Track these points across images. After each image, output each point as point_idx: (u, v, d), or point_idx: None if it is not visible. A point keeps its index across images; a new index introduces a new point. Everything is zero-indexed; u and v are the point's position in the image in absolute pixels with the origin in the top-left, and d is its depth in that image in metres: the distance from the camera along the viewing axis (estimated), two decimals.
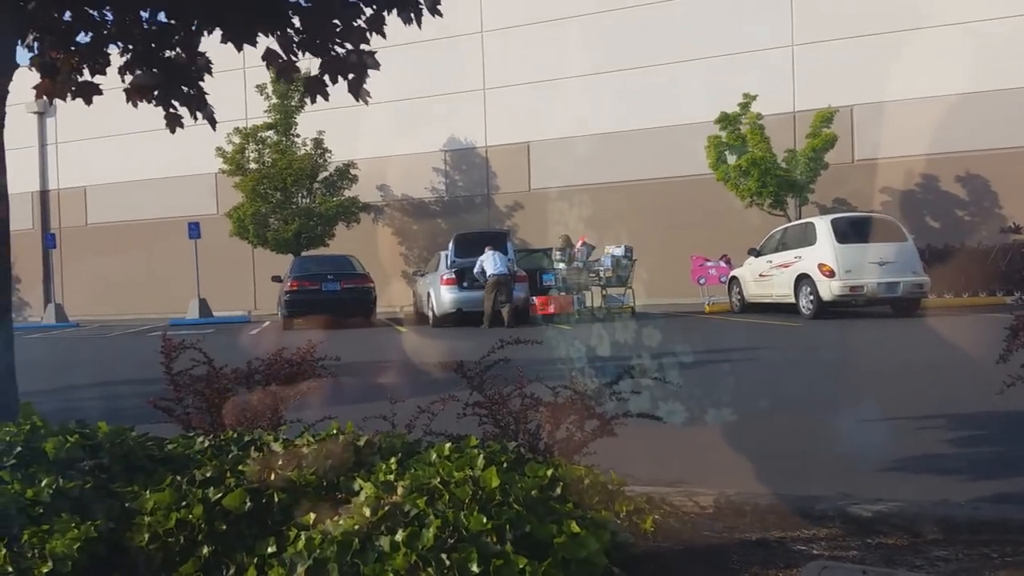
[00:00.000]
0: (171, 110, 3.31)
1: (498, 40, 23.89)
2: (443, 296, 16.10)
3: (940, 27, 19.39)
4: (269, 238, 22.79)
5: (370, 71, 2.98)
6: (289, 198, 22.94)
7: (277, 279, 19.00)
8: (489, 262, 15.62)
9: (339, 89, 3.13)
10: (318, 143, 23.16)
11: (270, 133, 23.14)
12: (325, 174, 23.50)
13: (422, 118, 23.91)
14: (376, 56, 2.95)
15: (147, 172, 26.64)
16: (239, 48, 2.93)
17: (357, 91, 3.07)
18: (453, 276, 16.11)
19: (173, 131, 3.40)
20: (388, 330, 16.47)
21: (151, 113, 3.38)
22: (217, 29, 2.92)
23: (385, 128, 22.74)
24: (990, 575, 2.46)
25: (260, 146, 23.13)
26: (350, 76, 2.99)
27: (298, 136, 23.27)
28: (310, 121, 22.07)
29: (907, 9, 19.61)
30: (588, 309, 16.98)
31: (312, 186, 23.33)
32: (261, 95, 22.69)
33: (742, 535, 2.89)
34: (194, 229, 22.70)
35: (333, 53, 2.95)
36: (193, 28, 2.91)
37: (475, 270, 15.84)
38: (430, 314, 16.82)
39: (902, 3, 19.78)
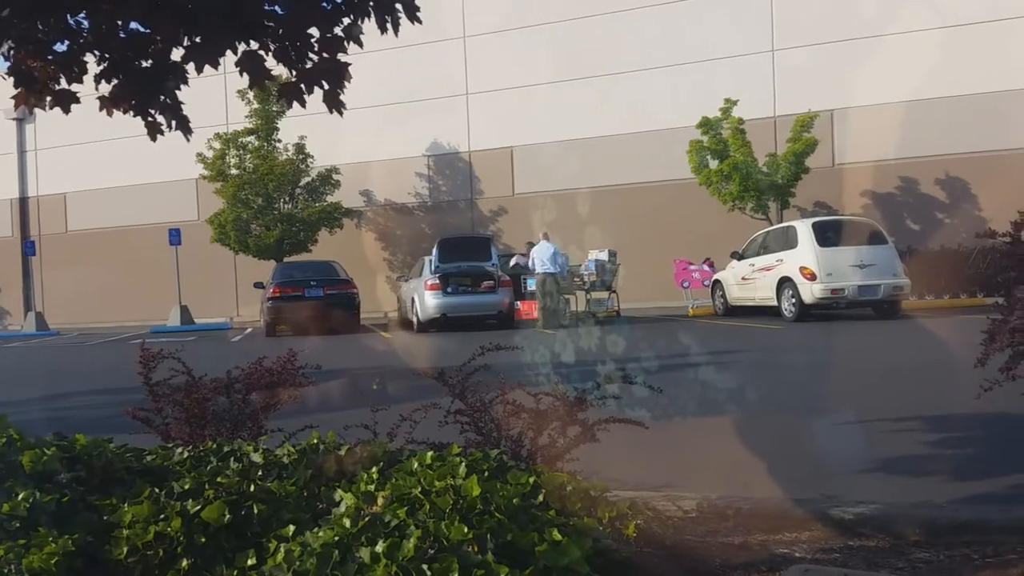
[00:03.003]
0: (149, 119, 3.29)
1: (481, 45, 23.90)
2: (427, 301, 16.07)
3: (919, 31, 19.56)
4: (251, 244, 22.65)
5: (348, 81, 2.97)
6: (271, 204, 22.82)
7: (259, 285, 18.91)
8: (539, 257, 15.65)
9: (317, 96, 3.12)
10: (300, 148, 23.04)
11: (251, 138, 23.02)
12: (307, 179, 23.40)
13: (405, 123, 23.86)
14: (351, 66, 2.94)
15: (127, 178, 26.42)
16: (199, 70, 2.92)
17: (333, 102, 3.06)
18: (437, 281, 16.07)
19: (154, 139, 3.38)
20: (372, 336, 16.42)
21: (130, 120, 3.36)
22: (182, 48, 2.90)
23: (368, 133, 22.67)
24: None
25: (241, 151, 23.00)
26: (326, 87, 2.97)
27: (280, 141, 23.14)
28: (292, 126, 22.00)
29: (886, 13, 19.77)
30: (572, 313, 17.01)
31: (294, 191, 23.23)
32: (242, 100, 22.57)
33: (725, 539, 2.90)
34: (175, 235, 22.59)
35: (308, 63, 2.93)
36: (168, 40, 2.89)
37: (528, 263, 16.04)
38: (414, 319, 16.79)
39: (881, 8, 19.94)
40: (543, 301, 15.62)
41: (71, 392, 9.16)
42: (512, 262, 18.26)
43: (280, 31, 2.86)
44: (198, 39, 2.86)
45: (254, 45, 2.91)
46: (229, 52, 3.02)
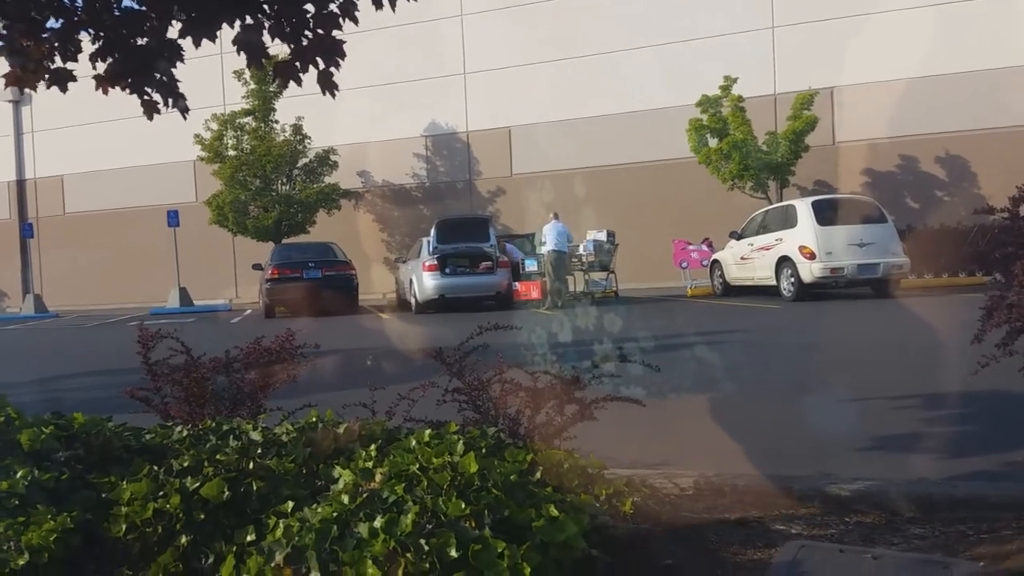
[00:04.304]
0: (145, 97, 3.26)
1: (478, 24, 23.75)
2: (425, 282, 16.06)
3: (918, 8, 19.46)
4: (249, 226, 22.62)
5: (342, 59, 2.95)
6: (269, 185, 22.76)
7: (258, 267, 18.91)
8: (550, 235, 15.70)
9: (312, 76, 3.10)
10: (297, 129, 22.97)
11: (248, 119, 22.93)
12: (305, 160, 23.34)
13: (402, 103, 23.78)
14: (346, 44, 2.92)
15: (125, 160, 26.36)
16: (197, 44, 2.89)
17: (327, 83, 3.04)
18: (435, 262, 16.06)
19: (151, 118, 3.35)
20: (370, 317, 16.43)
21: (127, 100, 3.33)
22: (178, 22, 2.88)
23: (365, 114, 22.60)
24: (967, 552, 2.49)
25: (238, 133, 22.91)
26: (320, 66, 2.96)
27: (277, 122, 23.05)
28: (289, 107, 21.90)
29: None
30: (571, 294, 17.02)
31: (292, 173, 23.17)
32: (239, 81, 22.46)
33: (721, 515, 2.91)
34: (173, 217, 22.55)
35: (304, 40, 2.91)
36: (162, 17, 2.86)
37: (538, 239, 16.33)
38: (412, 300, 16.80)
39: None
40: (553, 279, 15.64)
41: (70, 373, 9.18)
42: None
43: (275, 7, 2.84)
44: (193, 15, 2.84)
45: (249, 21, 2.89)
46: (227, 31, 3.00)
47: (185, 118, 3.29)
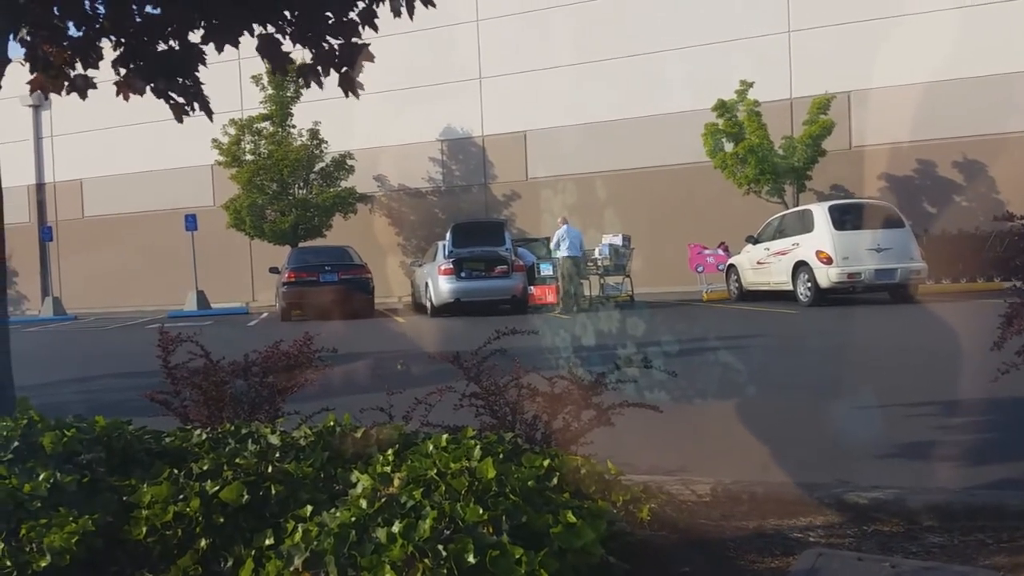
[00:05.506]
0: (171, 101, 3.29)
1: (494, 29, 23.79)
2: (441, 286, 16.11)
3: (936, 12, 19.33)
4: (266, 230, 22.75)
5: (371, 61, 2.97)
6: (286, 189, 22.89)
7: (275, 271, 19.00)
8: (564, 240, 15.80)
9: (334, 79, 3.13)
10: (314, 134, 23.09)
11: (266, 124, 23.07)
12: (321, 165, 23.45)
13: (418, 108, 23.83)
14: (369, 48, 2.94)
15: (143, 164, 26.56)
16: (219, 49, 2.92)
17: (349, 85, 3.06)
18: (451, 266, 16.10)
19: (180, 120, 3.37)
20: (386, 320, 16.48)
21: (146, 105, 3.36)
22: (200, 29, 2.91)
23: (381, 118, 22.66)
24: (985, 561, 2.47)
25: (256, 137, 23.05)
26: (343, 69, 2.98)
27: (294, 127, 23.18)
28: (306, 112, 22.01)
29: None
30: (586, 298, 17.01)
31: (309, 177, 23.28)
32: (257, 86, 22.61)
33: (739, 523, 2.90)
34: (191, 221, 22.71)
35: (325, 45, 2.94)
36: (184, 23, 2.89)
37: (552, 244, 16.56)
38: (428, 304, 16.83)
39: None
40: (567, 284, 15.68)
41: (90, 376, 9.25)
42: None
43: (295, 14, 2.86)
44: (215, 22, 2.86)
45: (270, 29, 2.91)
46: (247, 38, 3.02)
47: (211, 119, 3.31)
